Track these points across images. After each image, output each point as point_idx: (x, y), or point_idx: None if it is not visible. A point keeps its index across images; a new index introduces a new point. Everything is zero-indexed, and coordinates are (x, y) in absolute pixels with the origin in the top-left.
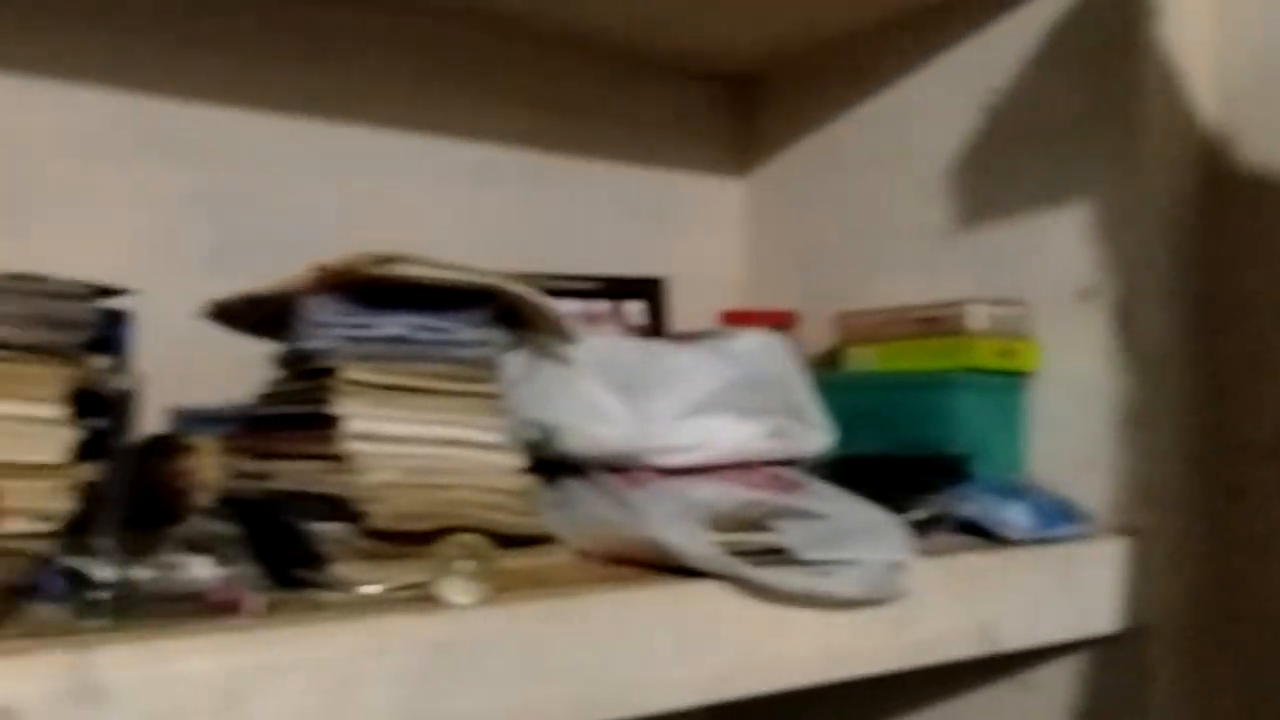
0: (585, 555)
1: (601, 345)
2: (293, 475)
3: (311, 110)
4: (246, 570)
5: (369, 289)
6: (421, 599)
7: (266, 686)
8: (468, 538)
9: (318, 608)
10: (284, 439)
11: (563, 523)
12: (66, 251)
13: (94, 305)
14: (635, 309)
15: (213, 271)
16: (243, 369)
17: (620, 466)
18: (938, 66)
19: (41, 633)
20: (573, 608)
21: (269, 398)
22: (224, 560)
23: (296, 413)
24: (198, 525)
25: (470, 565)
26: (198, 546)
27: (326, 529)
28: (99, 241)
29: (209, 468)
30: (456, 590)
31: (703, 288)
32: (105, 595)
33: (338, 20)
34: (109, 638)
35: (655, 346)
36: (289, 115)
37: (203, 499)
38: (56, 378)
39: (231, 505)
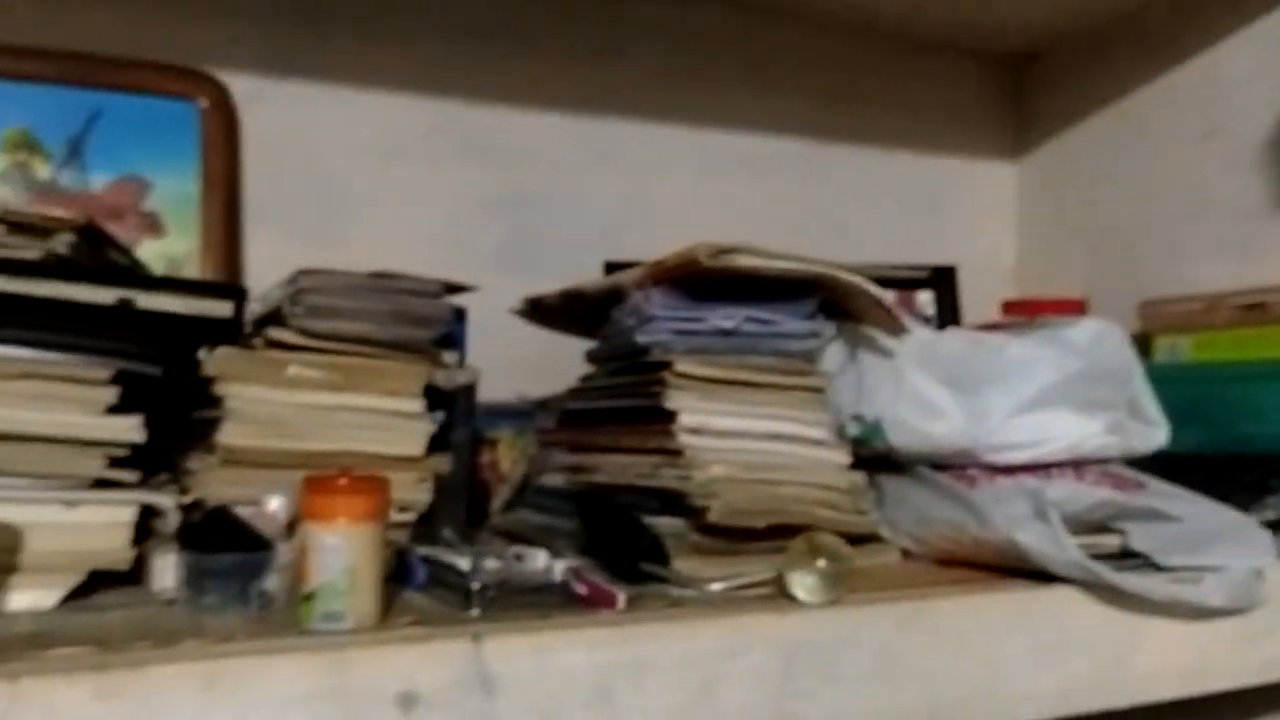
0: (909, 555)
1: (924, 337)
2: (618, 469)
3: (590, 107)
4: (582, 563)
5: (695, 281)
6: (768, 597)
7: (633, 682)
8: (822, 537)
9: (675, 604)
10: (606, 433)
11: (881, 521)
12: (371, 253)
13: (446, 302)
14: (925, 299)
15: (500, 269)
16: (535, 364)
17: (950, 464)
18: (1253, 33)
19: (431, 622)
20: (924, 611)
21: (586, 392)
22: (555, 553)
23: (621, 407)
24: (516, 516)
25: (822, 564)
26: (517, 537)
27: (663, 524)
28: (400, 243)
29: (510, 461)
30: (807, 589)
31: (975, 275)
32: (477, 586)
33: (611, 16)
34: (497, 629)
35: (982, 338)
36: (568, 113)
37: (504, 492)
38: (415, 373)
39: (563, 498)
